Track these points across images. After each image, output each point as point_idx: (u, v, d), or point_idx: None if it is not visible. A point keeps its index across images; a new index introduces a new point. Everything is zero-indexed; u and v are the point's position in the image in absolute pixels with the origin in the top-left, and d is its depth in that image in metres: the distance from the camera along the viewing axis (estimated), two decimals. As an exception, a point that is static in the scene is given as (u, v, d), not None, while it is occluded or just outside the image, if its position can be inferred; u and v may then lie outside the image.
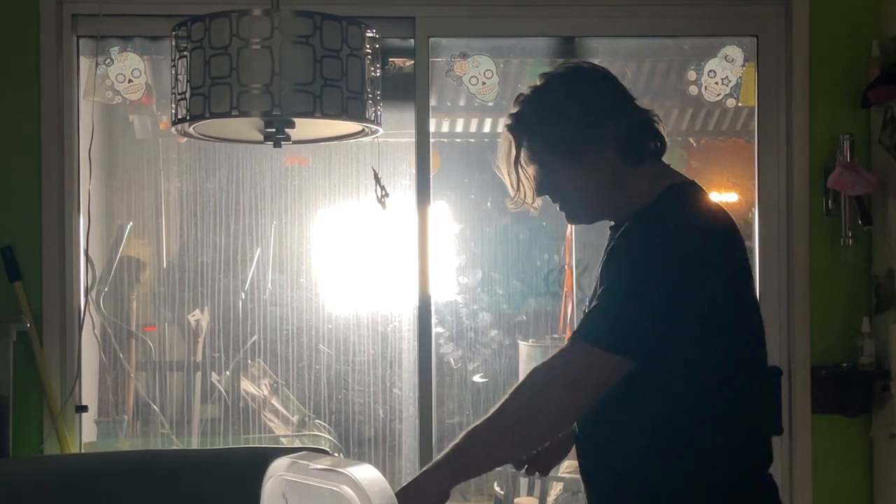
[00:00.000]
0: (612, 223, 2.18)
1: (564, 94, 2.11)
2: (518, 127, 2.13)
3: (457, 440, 1.99)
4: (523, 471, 2.33)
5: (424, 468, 2.02)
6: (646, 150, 2.11)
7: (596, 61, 4.23)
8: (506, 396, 1.99)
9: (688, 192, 2.10)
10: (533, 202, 2.18)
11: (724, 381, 1.99)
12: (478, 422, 1.98)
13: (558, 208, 2.19)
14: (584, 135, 2.07)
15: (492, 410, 1.99)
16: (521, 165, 2.13)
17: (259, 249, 4.12)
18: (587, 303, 2.13)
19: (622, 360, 1.94)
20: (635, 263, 1.98)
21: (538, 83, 2.15)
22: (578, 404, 1.98)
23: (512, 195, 2.17)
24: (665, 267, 1.95)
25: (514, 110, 2.15)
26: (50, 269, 3.62)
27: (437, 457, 2.01)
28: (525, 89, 2.17)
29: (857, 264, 3.71)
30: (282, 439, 4.07)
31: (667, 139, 2.16)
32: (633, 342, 1.94)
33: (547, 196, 2.17)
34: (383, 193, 2.81)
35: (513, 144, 2.14)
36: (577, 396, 1.97)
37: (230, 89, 2.22)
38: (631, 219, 2.07)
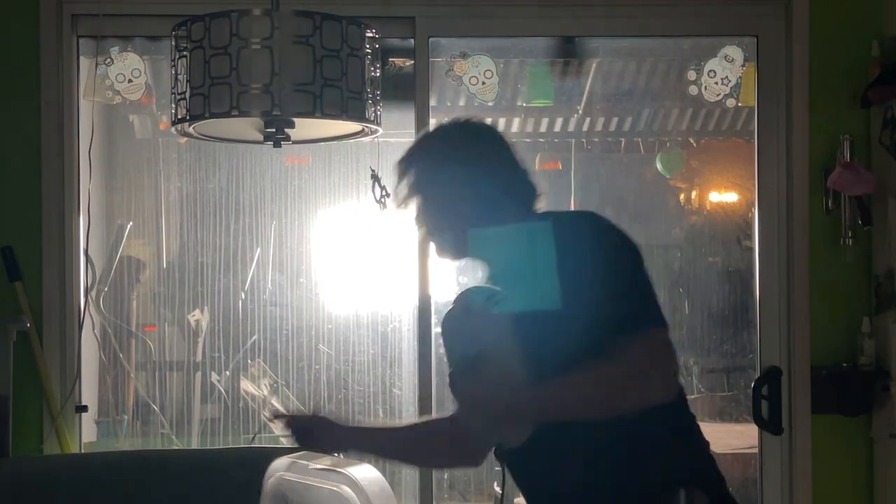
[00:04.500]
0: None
1: (432, 173, 2.21)
2: (408, 190, 2.21)
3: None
4: None
5: None
6: (513, 196, 2.20)
7: (596, 61, 4.27)
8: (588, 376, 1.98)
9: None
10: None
11: None
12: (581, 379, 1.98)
13: (432, 241, 2.25)
14: (446, 192, 2.17)
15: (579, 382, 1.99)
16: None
17: (259, 249, 4.12)
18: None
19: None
20: (615, 261, 2.06)
21: (426, 138, 2.31)
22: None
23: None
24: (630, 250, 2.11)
25: (401, 177, 2.23)
26: (50, 269, 3.62)
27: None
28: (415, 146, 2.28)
29: (857, 264, 3.70)
30: (282, 439, 4.07)
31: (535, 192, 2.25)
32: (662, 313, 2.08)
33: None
34: (384, 193, 2.82)
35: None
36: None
37: (230, 89, 2.23)
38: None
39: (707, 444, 2.21)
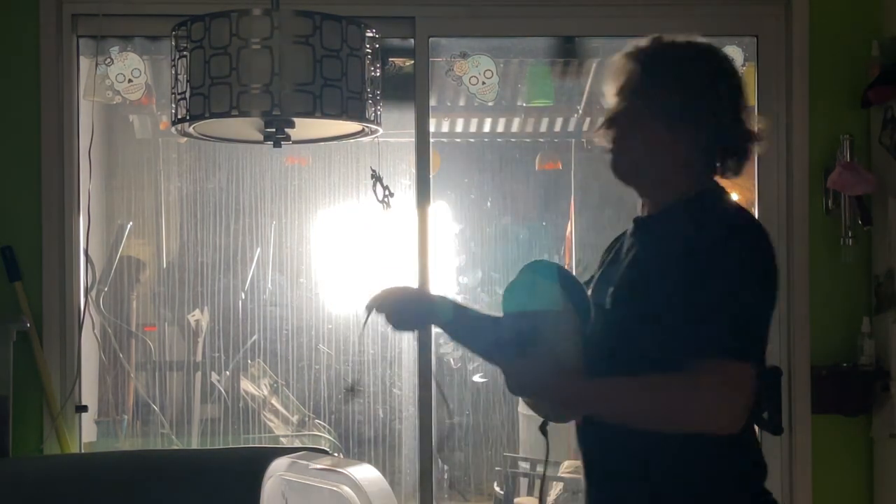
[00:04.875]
0: (640, 213, 2.13)
1: (693, 64, 2.06)
2: (642, 59, 2.05)
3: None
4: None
5: None
6: (727, 150, 2.06)
7: (596, 61, 4.27)
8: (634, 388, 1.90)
9: (725, 194, 2.08)
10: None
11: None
12: (637, 387, 1.90)
13: (609, 150, 2.09)
14: (690, 101, 2.01)
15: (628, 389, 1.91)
16: (615, 94, 2.08)
17: (259, 249, 4.12)
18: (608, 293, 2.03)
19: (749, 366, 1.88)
20: (722, 269, 1.90)
21: (669, 43, 2.09)
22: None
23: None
24: (756, 268, 1.93)
25: (643, 46, 2.07)
26: (50, 269, 3.62)
27: None
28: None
29: (857, 264, 3.70)
30: (282, 439, 4.07)
31: (741, 170, 2.09)
32: (758, 348, 1.92)
33: (611, 132, 2.08)
34: (387, 193, 2.81)
35: (621, 68, 2.06)
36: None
37: (230, 89, 2.23)
38: (678, 214, 2.01)
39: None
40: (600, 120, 2.11)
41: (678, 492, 1.97)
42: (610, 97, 2.10)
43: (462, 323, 2.30)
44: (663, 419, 1.89)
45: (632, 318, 1.97)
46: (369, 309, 2.29)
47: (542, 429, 2.06)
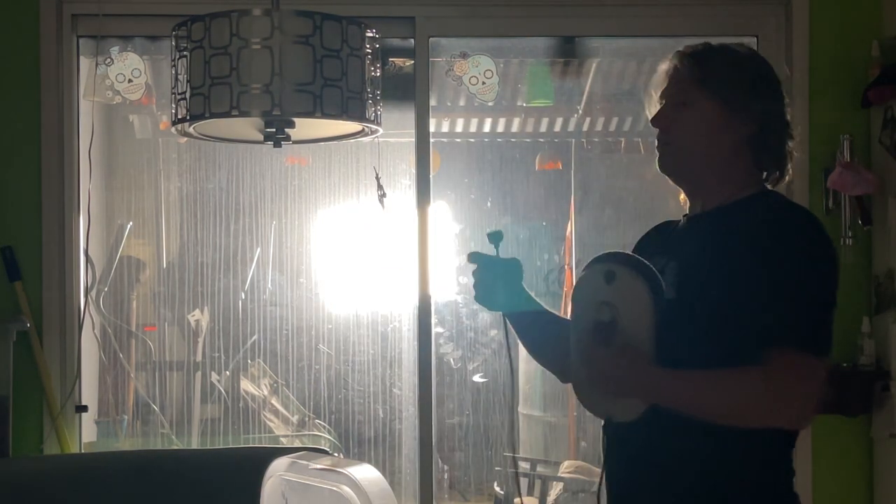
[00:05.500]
0: (687, 213, 2.14)
1: (749, 60, 2.10)
2: (696, 56, 2.07)
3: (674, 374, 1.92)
4: None
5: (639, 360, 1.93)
6: (773, 156, 2.09)
7: (596, 61, 4.27)
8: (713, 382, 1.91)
9: (785, 200, 2.13)
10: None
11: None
12: (710, 380, 1.91)
13: (658, 148, 2.10)
14: (746, 94, 2.04)
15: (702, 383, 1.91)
16: (656, 94, 2.10)
17: (259, 249, 4.12)
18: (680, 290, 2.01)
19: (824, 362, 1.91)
20: (797, 261, 1.94)
21: (721, 45, 2.13)
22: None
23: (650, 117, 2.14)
24: (825, 264, 1.97)
25: (695, 46, 2.10)
26: (50, 269, 3.62)
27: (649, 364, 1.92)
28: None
29: (857, 264, 3.70)
30: (282, 439, 4.07)
31: (789, 174, 2.14)
32: (823, 339, 1.94)
33: (660, 129, 2.10)
34: (381, 193, 2.82)
35: (668, 72, 2.09)
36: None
37: (230, 89, 2.23)
38: (735, 210, 2.03)
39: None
40: (651, 117, 2.12)
41: (733, 489, 1.98)
42: (657, 95, 2.11)
43: (536, 317, 2.27)
44: (738, 412, 1.89)
45: (703, 309, 1.95)
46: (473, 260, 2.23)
47: (606, 429, 2.06)
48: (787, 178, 2.15)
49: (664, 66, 2.11)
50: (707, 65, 2.06)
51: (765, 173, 2.11)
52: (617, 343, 1.93)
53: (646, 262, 1.99)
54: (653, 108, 2.12)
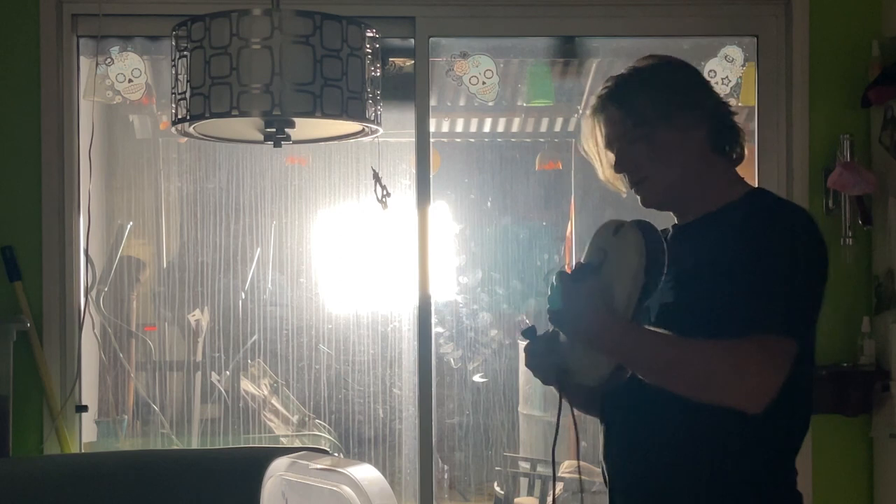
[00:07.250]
0: (676, 222, 2.15)
1: (659, 73, 2.11)
2: (612, 97, 2.08)
3: (656, 333, 1.92)
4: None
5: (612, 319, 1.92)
6: (732, 141, 2.10)
7: (596, 61, 4.27)
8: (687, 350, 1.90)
9: (773, 196, 2.12)
10: (615, 181, 2.16)
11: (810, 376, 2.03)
12: (678, 344, 1.90)
13: (634, 190, 2.13)
14: (677, 105, 2.05)
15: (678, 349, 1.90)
16: (600, 144, 2.12)
17: (259, 249, 4.12)
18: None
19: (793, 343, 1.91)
20: (774, 250, 1.95)
21: (629, 70, 2.13)
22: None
23: (601, 175, 2.18)
24: (807, 253, 2.00)
25: (607, 85, 2.11)
26: (50, 269, 3.62)
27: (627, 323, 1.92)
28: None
29: (857, 264, 3.70)
30: (282, 439, 4.07)
31: (745, 151, 2.14)
32: (801, 325, 1.97)
33: (626, 175, 2.12)
34: (384, 193, 2.81)
35: (597, 121, 2.10)
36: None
37: (230, 89, 2.23)
38: (725, 212, 2.05)
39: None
40: (606, 171, 2.16)
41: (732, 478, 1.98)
42: (601, 146, 2.14)
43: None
44: (694, 379, 1.88)
45: (697, 309, 1.96)
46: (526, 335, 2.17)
47: (607, 430, 2.10)
48: (745, 151, 2.15)
49: (590, 119, 2.12)
50: (633, 96, 2.06)
51: (734, 155, 2.12)
52: (592, 284, 1.93)
53: (659, 233, 1.98)
54: (603, 160, 2.15)
